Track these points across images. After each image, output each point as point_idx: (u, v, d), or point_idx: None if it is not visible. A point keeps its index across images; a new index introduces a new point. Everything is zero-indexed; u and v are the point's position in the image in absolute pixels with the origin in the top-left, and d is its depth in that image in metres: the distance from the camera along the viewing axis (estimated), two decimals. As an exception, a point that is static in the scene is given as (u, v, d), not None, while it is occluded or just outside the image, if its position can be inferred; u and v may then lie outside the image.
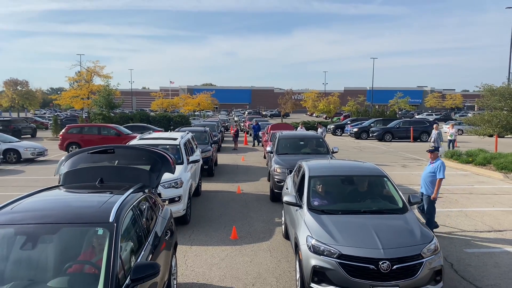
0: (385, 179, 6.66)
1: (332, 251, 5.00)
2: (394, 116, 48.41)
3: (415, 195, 6.57)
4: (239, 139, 26.21)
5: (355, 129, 33.66)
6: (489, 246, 7.76)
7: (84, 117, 39.07)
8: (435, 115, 71.53)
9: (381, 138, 30.63)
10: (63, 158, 6.12)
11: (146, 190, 5.27)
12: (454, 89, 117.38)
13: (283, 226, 8.26)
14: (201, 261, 6.98)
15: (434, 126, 20.69)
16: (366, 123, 35.34)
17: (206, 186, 13.09)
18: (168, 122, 37.65)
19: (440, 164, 7.96)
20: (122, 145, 8.48)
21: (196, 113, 62.81)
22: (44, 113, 68.49)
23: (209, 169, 14.76)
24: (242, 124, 44.86)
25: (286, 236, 7.82)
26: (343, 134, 36.85)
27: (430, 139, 21.19)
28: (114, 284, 3.32)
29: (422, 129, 30.85)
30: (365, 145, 28.22)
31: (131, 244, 4.03)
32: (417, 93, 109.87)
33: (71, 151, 21.24)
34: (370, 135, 31.96)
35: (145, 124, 30.84)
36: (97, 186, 5.13)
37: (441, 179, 7.89)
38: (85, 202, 4.51)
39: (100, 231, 3.72)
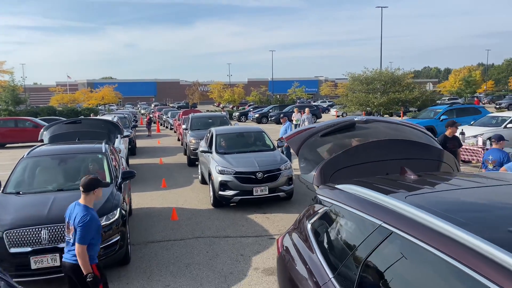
0: (263, 133, 10.43)
1: (230, 171, 8.50)
2: (292, 103, 54.45)
3: (281, 142, 10.49)
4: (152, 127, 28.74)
5: (257, 115, 38.09)
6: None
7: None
8: (328, 102, 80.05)
9: (278, 121, 35.30)
10: (43, 128, 8.73)
11: (109, 144, 8.23)
12: (347, 78, 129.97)
13: (200, 176, 11.58)
14: (143, 199, 10.01)
15: (306, 110, 21.54)
16: (265, 109, 40.06)
17: (131, 161, 15.78)
18: (77, 116, 38.19)
19: (290, 123, 12.89)
20: (87, 117, 11.02)
21: (100, 107, 62.27)
22: None
23: (132, 148, 17.39)
24: (152, 115, 46.87)
25: (203, 182, 11.15)
26: (247, 120, 41.08)
27: (303, 121, 20.54)
28: (114, 178, 6.39)
29: (312, 112, 36.18)
30: (265, 127, 32.43)
31: (114, 166, 7.07)
32: (313, 83, 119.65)
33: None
34: (269, 119, 36.59)
35: (59, 117, 31.49)
36: (77, 142, 7.96)
37: None
38: (82, 145, 7.37)
39: (100, 156, 6.72)
